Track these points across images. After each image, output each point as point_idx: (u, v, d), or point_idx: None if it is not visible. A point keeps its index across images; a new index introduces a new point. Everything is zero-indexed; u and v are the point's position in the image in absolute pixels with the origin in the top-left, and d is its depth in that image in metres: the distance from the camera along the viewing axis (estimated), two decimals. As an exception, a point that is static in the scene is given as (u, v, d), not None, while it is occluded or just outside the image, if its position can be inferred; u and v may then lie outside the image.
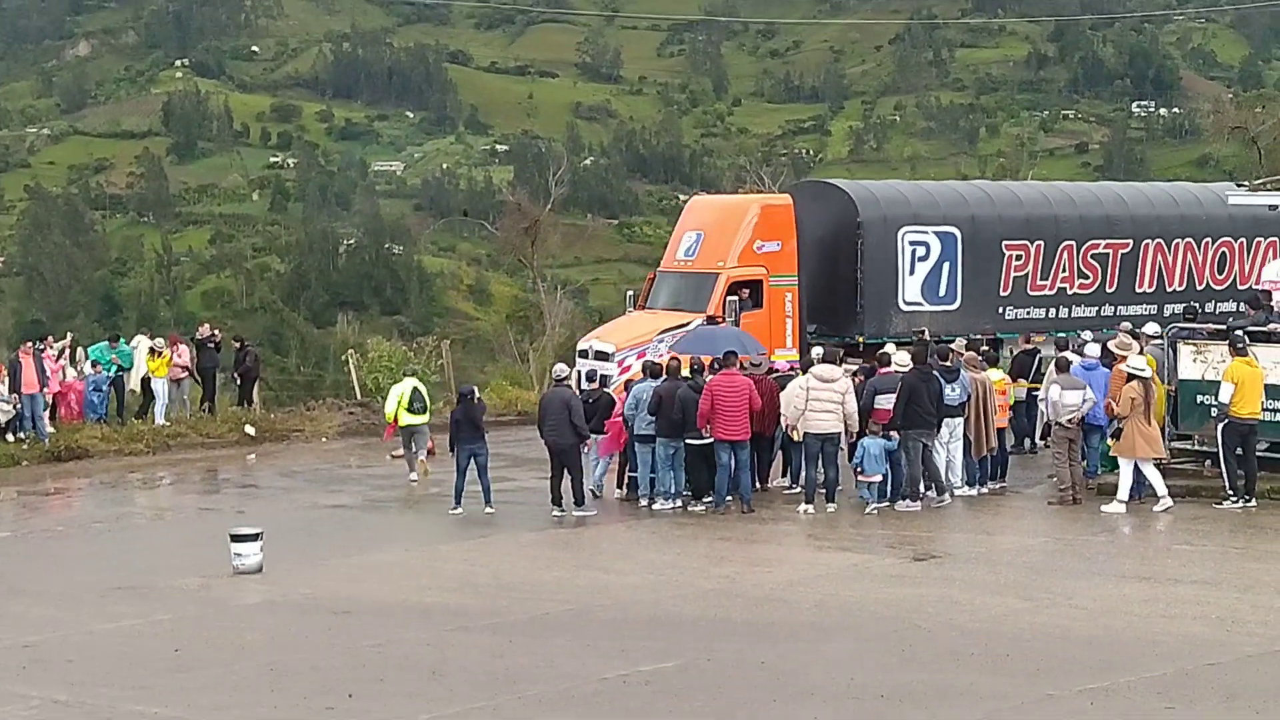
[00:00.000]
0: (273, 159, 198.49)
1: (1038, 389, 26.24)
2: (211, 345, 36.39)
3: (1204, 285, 36.53)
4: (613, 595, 18.55)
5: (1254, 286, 30.75)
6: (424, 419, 28.87)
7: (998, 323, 33.71)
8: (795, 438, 23.99)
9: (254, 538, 20.38)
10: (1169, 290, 36.01)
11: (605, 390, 26.49)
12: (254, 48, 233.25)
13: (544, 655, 15.69)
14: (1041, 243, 34.78)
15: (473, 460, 24.80)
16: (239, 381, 36.76)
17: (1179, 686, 13.81)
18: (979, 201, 35.45)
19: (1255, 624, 16.00)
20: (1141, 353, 24.29)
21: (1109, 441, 23.91)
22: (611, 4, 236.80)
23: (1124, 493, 23.05)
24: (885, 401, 23.94)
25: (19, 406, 31.89)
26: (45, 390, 32.48)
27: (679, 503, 24.41)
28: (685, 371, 25.04)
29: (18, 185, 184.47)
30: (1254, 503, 22.71)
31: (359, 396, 38.38)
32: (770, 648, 15.66)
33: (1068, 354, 25.00)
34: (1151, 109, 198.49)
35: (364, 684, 14.64)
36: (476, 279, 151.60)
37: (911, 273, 33.64)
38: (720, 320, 31.39)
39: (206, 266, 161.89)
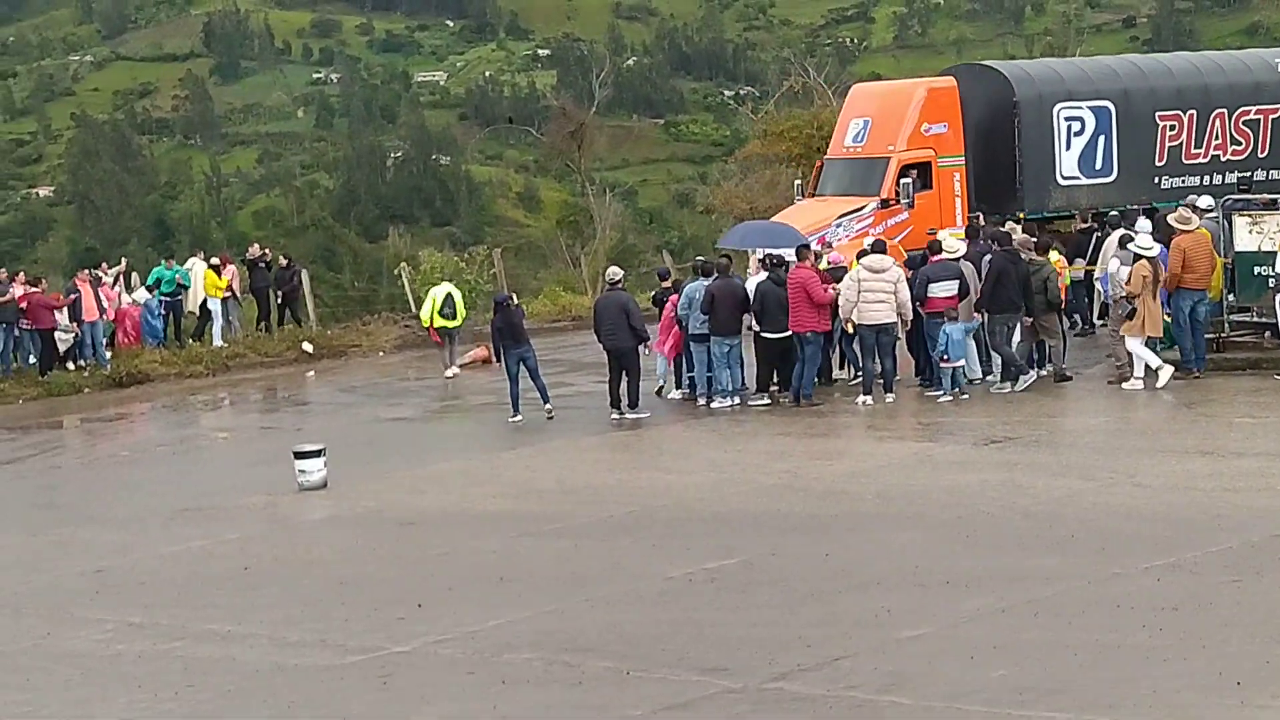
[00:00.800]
0: (315, 75, 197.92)
1: (1094, 270, 26.11)
2: (263, 265, 36.51)
3: None
4: (675, 495, 18.65)
5: None
6: (456, 322, 30.56)
7: (1154, 193, 33.81)
8: (849, 330, 23.91)
9: (317, 454, 20.54)
10: None
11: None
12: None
13: (609, 558, 15.83)
14: (1194, 111, 35.02)
15: (522, 365, 24.87)
16: (280, 300, 36.78)
17: (1245, 559, 13.81)
18: (1131, 75, 35.82)
19: (1320, 494, 15.97)
20: (1198, 227, 24.14)
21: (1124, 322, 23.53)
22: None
23: (1142, 368, 23.04)
24: (938, 290, 23.82)
25: (79, 334, 32.15)
26: (104, 317, 32.75)
27: (737, 400, 24.47)
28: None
29: (64, 114, 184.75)
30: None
31: (414, 309, 38.48)
32: (834, 540, 15.74)
33: (1128, 230, 24.81)
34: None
35: (433, 593, 14.81)
36: (525, 186, 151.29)
37: (1068, 148, 34.06)
38: (893, 202, 32.35)
39: (256, 186, 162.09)
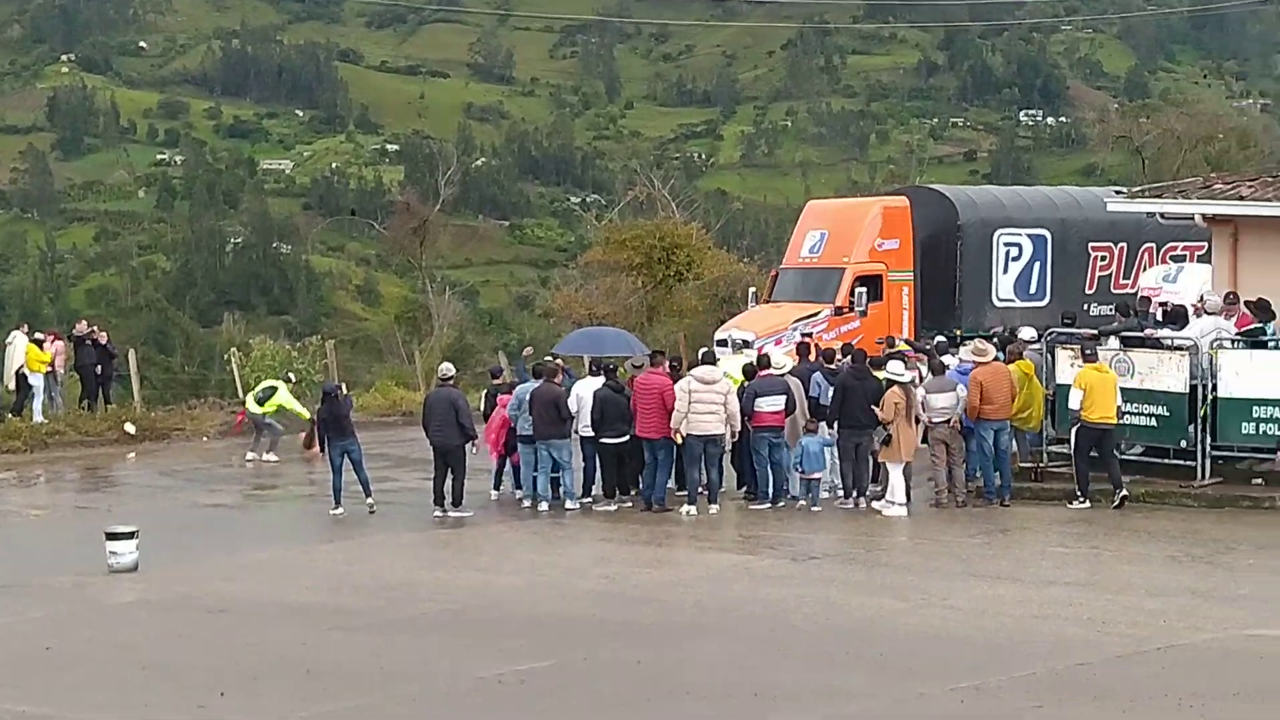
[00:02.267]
0: (160, 156, 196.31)
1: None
2: (90, 342, 35.96)
3: None
4: (491, 595, 18.55)
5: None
6: (261, 410, 31.35)
7: (1083, 318, 34.29)
8: (678, 440, 24.04)
9: (129, 535, 20.19)
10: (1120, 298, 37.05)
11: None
12: (142, 43, 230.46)
13: (420, 654, 15.68)
14: (1125, 244, 37.02)
15: (346, 456, 24.70)
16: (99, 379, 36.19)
17: (1049, 686, 13.99)
18: (1068, 205, 37.92)
19: (1125, 625, 16.21)
20: (1020, 356, 24.67)
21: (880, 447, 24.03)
22: (504, 4, 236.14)
23: (900, 496, 23.49)
24: (765, 404, 24.11)
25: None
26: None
27: (569, 504, 24.47)
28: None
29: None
30: (1119, 503, 23.08)
31: (241, 395, 38.08)
32: (647, 647, 15.72)
33: (945, 357, 25.30)
34: (1039, 118, 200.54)
35: (238, 682, 14.58)
36: (365, 279, 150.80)
37: (1005, 271, 36.28)
38: (846, 310, 34.35)
39: (91, 264, 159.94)
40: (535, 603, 18.04)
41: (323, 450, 25.42)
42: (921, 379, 24.62)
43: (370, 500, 24.64)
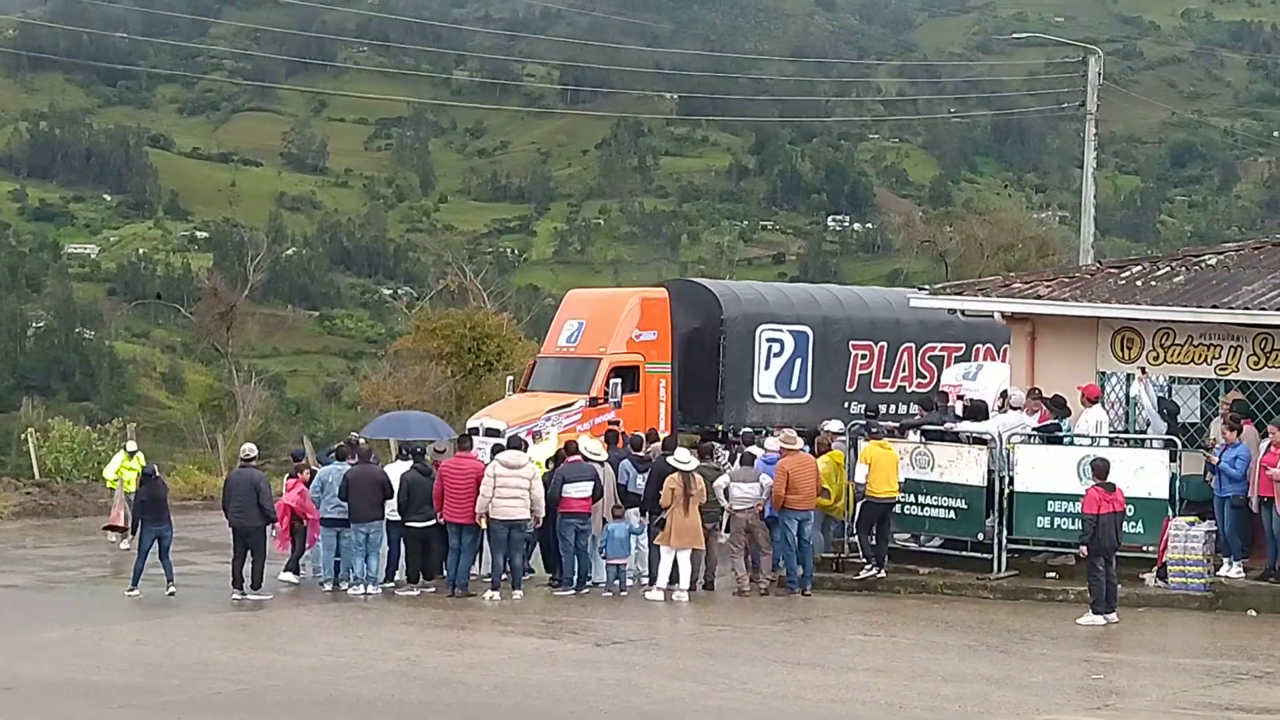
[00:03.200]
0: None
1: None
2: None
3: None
4: (288, 676, 18.24)
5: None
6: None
7: (843, 416, 33.92)
8: (483, 525, 23.90)
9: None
10: (919, 394, 36.82)
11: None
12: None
13: (213, 733, 15.36)
14: (885, 343, 37.04)
15: (157, 542, 24.22)
16: None
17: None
18: (830, 303, 37.84)
19: (922, 709, 16.37)
20: (829, 448, 24.95)
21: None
22: (319, 96, 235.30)
23: (663, 580, 23.85)
24: (573, 490, 24.12)
25: None
26: None
27: (370, 589, 24.21)
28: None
29: None
30: (882, 573, 24.09)
31: (37, 476, 37.27)
32: (445, 728, 15.56)
33: (753, 448, 25.49)
34: (846, 223, 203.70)
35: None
36: (170, 366, 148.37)
37: (767, 367, 35.84)
38: (601, 401, 33.73)
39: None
40: (333, 684, 17.77)
41: (132, 532, 24.84)
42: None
43: (172, 589, 24.15)
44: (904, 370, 37.52)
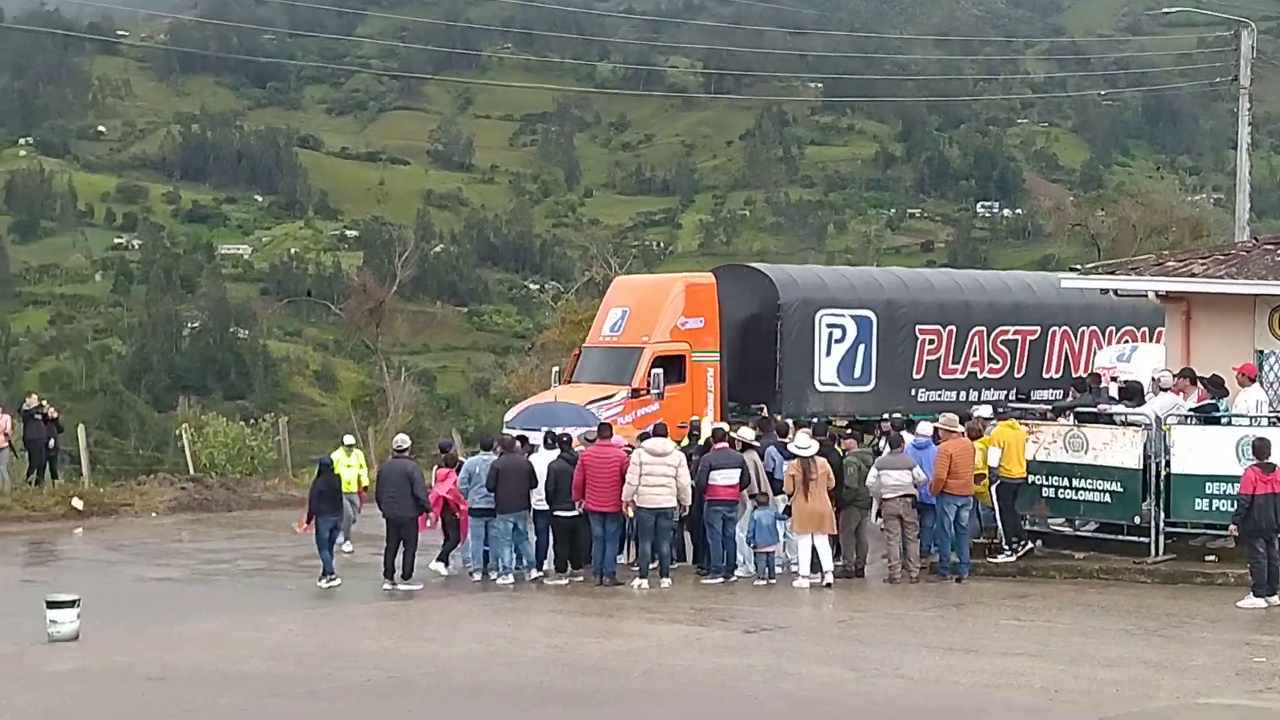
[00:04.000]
0: (117, 240, 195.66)
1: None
2: (39, 417, 35.61)
3: None
4: (438, 664, 18.27)
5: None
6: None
7: (910, 404, 34.13)
8: (629, 514, 23.85)
9: (70, 604, 19.89)
10: (1074, 377, 35.35)
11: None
12: (100, 128, 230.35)
13: (362, 720, 15.43)
14: (954, 328, 35.74)
15: (332, 532, 24.42)
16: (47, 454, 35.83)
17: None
18: (894, 287, 36.49)
19: (1078, 693, 16.06)
20: (982, 433, 24.61)
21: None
22: (464, 93, 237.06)
23: (804, 567, 23.66)
24: (720, 477, 23.98)
25: None
26: None
27: (512, 578, 24.26)
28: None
29: None
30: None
31: (192, 471, 37.78)
32: (593, 713, 15.55)
33: (903, 433, 25.24)
34: (995, 209, 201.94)
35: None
36: (323, 364, 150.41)
37: (828, 354, 34.56)
38: (644, 392, 32.74)
39: (46, 347, 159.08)
40: (482, 671, 17.79)
41: (308, 522, 25.00)
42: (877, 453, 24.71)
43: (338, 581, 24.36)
44: (975, 356, 36.17)
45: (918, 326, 35.52)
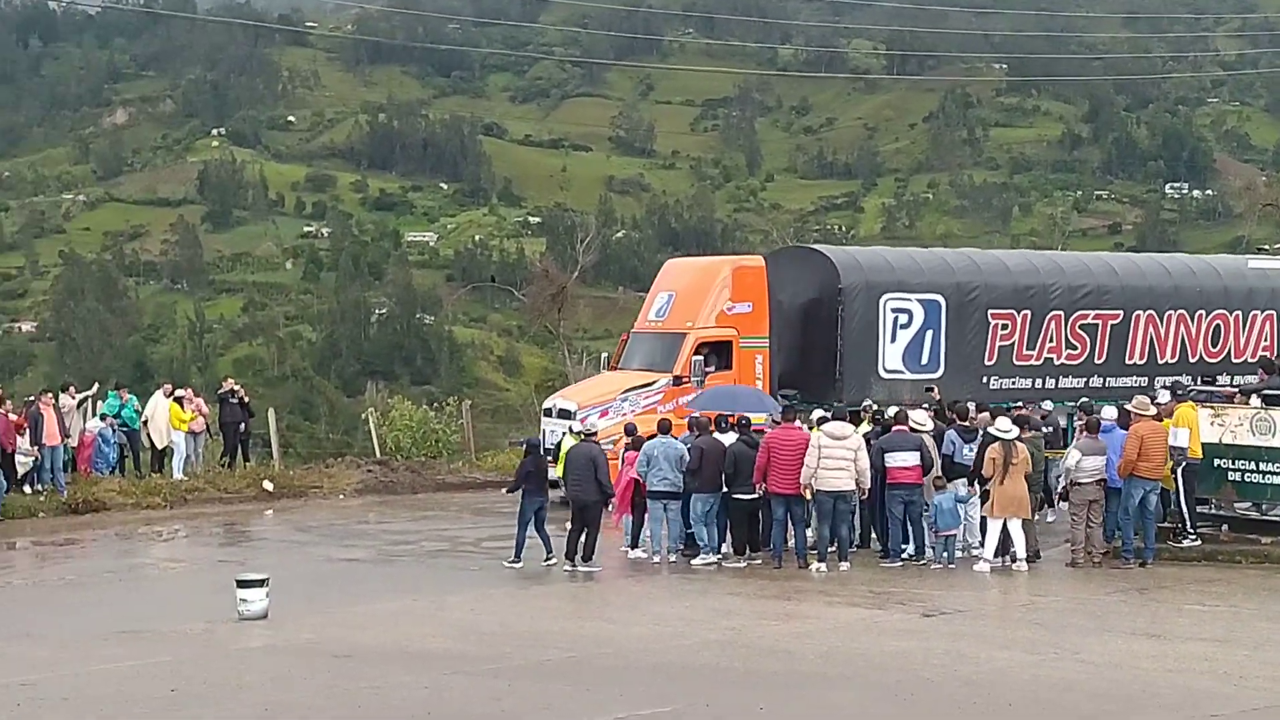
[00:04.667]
0: (306, 228, 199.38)
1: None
2: (234, 401, 36.42)
3: (1197, 358, 35.31)
4: (616, 644, 18.43)
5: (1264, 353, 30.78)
6: None
7: (981, 392, 32.27)
8: (808, 495, 23.85)
9: (260, 583, 20.33)
10: (1160, 363, 34.91)
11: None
12: (290, 118, 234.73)
13: (541, 699, 15.58)
14: (1029, 312, 33.91)
15: (535, 513, 24.70)
16: (240, 436, 36.64)
17: (1181, 737, 13.64)
18: (965, 269, 34.43)
19: (1263, 679, 15.82)
20: (1170, 415, 24.27)
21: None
22: (646, 79, 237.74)
23: (989, 551, 23.52)
24: (897, 460, 23.90)
25: (38, 458, 31.92)
26: (66, 441, 32.56)
27: (714, 558, 24.39)
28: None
29: (53, 251, 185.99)
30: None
31: (378, 454, 38.40)
32: (771, 695, 15.53)
33: (1096, 416, 24.89)
34: (1185, 190, 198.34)
35: (358, 723, 14.59)
36: (507, 350, 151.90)
37: (893, 340, 32.63)
38: (686, 380, 31.41)
39: (239, 334, 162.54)
40: (660, 652, 17.91)
41: (513, 491, 25.25)
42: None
43: (553, 558, 24.56)
44: (1051, 341, 34.05)
45: (990, 311, 33.55)
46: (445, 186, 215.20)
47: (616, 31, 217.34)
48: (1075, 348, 34.18)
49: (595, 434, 25.55)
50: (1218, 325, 35.64)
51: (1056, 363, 34.01)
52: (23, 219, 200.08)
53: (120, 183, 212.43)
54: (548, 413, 31.76)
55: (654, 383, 31.51)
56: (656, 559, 24.92)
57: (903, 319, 32.73)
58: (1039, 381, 33.51)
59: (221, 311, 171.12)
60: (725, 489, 24.45)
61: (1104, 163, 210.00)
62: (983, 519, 24.07)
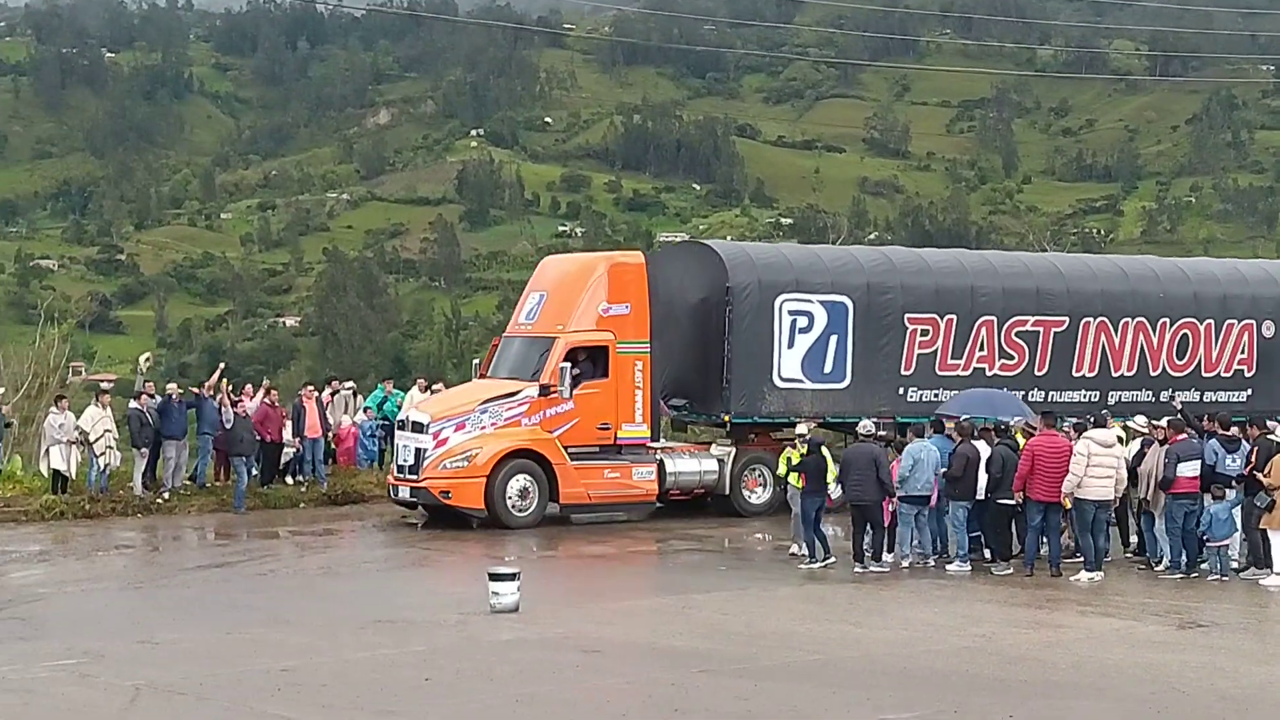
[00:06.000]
0: (561, 228, 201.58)
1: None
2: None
3: (1159, 372, 32.69)
4: (863, 648, 18.35)
5: None
6: None
7: (900, 405, 30.15)
8: (1067, 504, 23.44)
9: (511, 577, 20.65)
10: (1115, 376, 32.34)
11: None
12: (547, 119, 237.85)
13: (787, 700, 15.58)
14: (954, 317, 31.02)
15: (815, 512, 24.68)
16: None
17: None
18: (877, 268, 31.39)
19: None
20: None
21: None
22: (902, 80, 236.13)
23: (1278, 564, 22.68)
24: (1185, 470, 23.34)
25: (300, 450, 32.78)
26: (327, 434, 33.36)
27: (968, 565, 24.23)
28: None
29: (317, 248, 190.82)
30: None
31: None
32: (1020, 703, 15.35)
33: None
34: None
35: (606, 718, 14.72)
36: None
37: (790, 346, 29.80)
38: (554, 390, 28.37)
39: (494, 331, 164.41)
40: (907, 657, 17.78)
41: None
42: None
43: (830, 558, 24.53)
44: (982, 350, 31.14)
45: (907, 315, 30.61)
46: (698, 187, 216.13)
47: (872, 32, 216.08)
48: (1011, 357, 31.49)
49: (874, 434, 25.23)
50: (1184, 335, 33.00)
51: (989, 374, 31.01)
52: (289, 217, 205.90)
53: (382, 182, 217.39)
54: (401, 425, 29.22)
55: (518, 393, 28.37)
56: (904, 564, 24.72)
57: (802, 322, 29.94)
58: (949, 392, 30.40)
59: (477, 309, 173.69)
60: (986, 495, 24.14)
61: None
62: (1261, 531, 23.35)
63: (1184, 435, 24.13)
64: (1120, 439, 24.56)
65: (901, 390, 30.46)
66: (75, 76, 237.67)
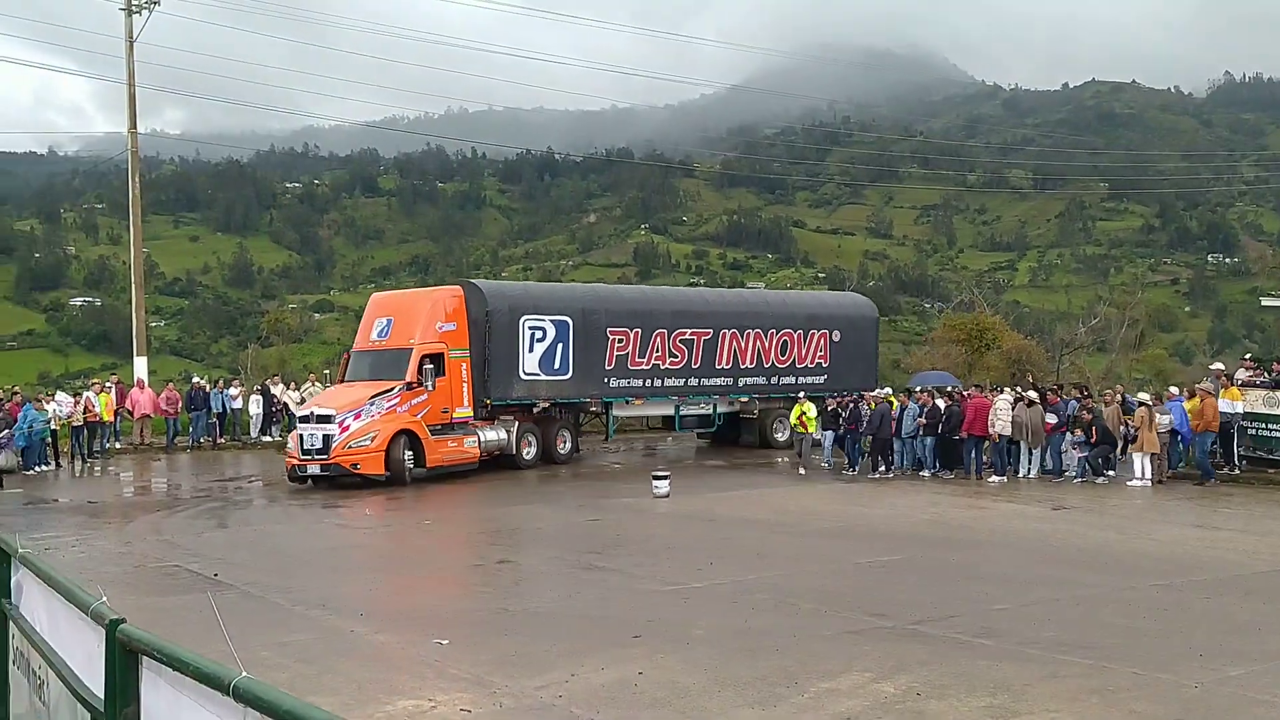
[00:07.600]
0: (691, 282, 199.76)
1: None
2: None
3: (770, 364, 30.50)
4: (866, 519, 17.82)
5: None
6: None
7: (603, 389, 28.00)
8: (996, 438, 22.62)
9: (665, 476, 20.67)
10: (742, 367, 30.06)
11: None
12: (684, 218, 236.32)
13: (824, 549, 15.19)
14: (640, 329, 28.61)
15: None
16: None
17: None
18: (589, 297, 29.25)
19: (1268, 554, 14.37)
20: None
21: None
22: (888, 194, 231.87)
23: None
24: (1051, 418, 22.41)
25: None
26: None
27: (928, 474, 23.58)
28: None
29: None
30: None
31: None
32: (959, 551, 14.82)
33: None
34: (1220, 259, 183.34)
35: (718, 557, 14.45)
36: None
37: (530, 350, 27.08)
38: (417, 384, 24.62)
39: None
40: (892, 523, 17.38)
41: None
42: None
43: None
44: (658, 351, 28.69)
45: (609, 329, 28.20)
46: (770, 257, 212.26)
47: (872, 166, 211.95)
48: (676, 356, 29.16)
49: (880, 400, 24.36)
50: (785, 340, 30.70)
51: (662, 367, 28.83)
52: (538, 276, 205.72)
53: (591, 255, 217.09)
54: (305, 419, 24.13)
55: (392, 389, 24.53)
56: (892, 474, 24.05)
57: (539, 334, 27.30)
58: (648, 381, 28.66)
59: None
60: (942, 432, 23.40)
61: (1169, 241, 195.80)
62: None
63: (1058, 400, 23.37)
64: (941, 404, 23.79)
65: (606, 380, 28.19)
66: (421, 197, 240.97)
